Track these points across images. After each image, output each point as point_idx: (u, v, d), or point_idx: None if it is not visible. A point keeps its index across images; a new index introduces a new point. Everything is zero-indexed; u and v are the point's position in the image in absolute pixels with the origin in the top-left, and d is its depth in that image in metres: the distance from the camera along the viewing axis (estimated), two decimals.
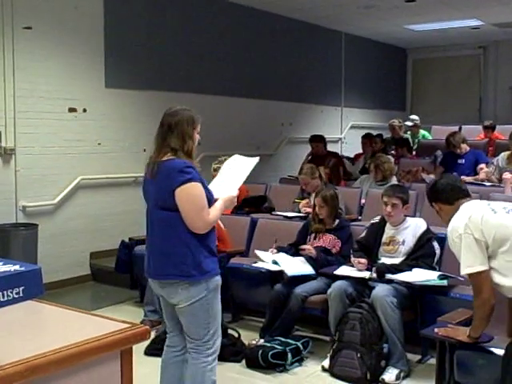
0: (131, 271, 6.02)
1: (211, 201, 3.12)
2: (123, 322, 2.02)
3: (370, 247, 4.74)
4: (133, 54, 7.41)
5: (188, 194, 2.99)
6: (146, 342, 4.51)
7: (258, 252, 5.06)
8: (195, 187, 3.01)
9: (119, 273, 6.13)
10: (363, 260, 4.57)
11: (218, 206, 3.11)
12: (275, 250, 5.09)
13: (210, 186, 3.23)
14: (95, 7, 6.95)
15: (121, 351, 1.94)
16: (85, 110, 6.86)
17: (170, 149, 3.07)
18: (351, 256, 4.73)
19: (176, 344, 3.27)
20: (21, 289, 1.64)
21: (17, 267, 1.68)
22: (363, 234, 4.90)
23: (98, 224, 7.01)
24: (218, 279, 3.14)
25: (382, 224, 4.77)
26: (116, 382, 1.91)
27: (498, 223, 2.88)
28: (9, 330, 1.89)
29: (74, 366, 1.77)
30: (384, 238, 4.71)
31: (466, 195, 3.32)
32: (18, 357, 1.60)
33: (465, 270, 2.97)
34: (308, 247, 4.93)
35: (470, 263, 2.92)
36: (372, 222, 4.93)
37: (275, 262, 4.88)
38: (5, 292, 1.59)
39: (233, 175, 3.19)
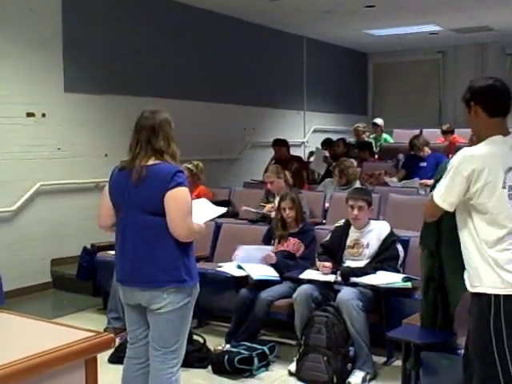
0: (94, 278, 5.93)
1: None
2: (88, 330, 1.98)
3: (334, 250, 4.76)
4: (93, 58, 7.30)
5: (176, 199, 2.93)
6: (110, 350, 4.44)
7: (222, 264, 5.05)
8: (184, 192, 2.96)
9: (81, 280, 6.04)
10: (328, 264, 4.58)
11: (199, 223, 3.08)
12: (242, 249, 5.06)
13: None
14: (52, 9, 6.81)
15: (85, 360, 1.92)
16: (44, 115, 6.73)
17: (154, 152, 3.01)
18: (316, 260, 4.74)
19: (140, 355, 3.17)
20: None
21: None
22: (327, 238, 4.91)
23: (59, 230, 6.88)
24: (198, 287, 3.12)
25: (346, 227, 4.79)
26: None
27: (495, 198, 2.70)
28: None
29: (38, 376, 1.74)
30: (348, 242, 4.73)
31: (506, 114, 2.84)
32: None
33: (436, 198, 2.78)
34: (269, 255, 4.89)
35: (445, 198, 2.74)
36: (336, 225, 4.94)
37: (240, 267, 4.87)
38: None
39: (199, 211, 3.16)
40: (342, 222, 4.88)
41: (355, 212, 4.65)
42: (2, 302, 1.71)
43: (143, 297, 3.03)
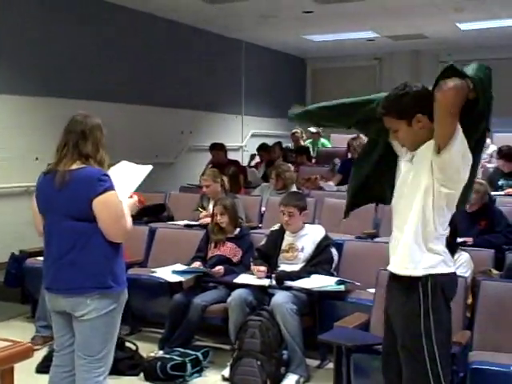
0: (22, 285, 5.75)
1: None
2: (4, 339, 1.91)
3: (269, 255, 4.75)
4: (26, 59, 7.10)
5: (107, 204, 2.88)
6: (38, 359, 4.31)
7: (155, 270, 4.97)
8: (113, 196, 2.91)
9: (9, 287, 5.83)
10: (262, 268, 4.58)
11: (126, 212, 3.01)
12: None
13: None
14: None
15: (1, 371, 1.83)
16: None
17: (80, 156, 2.94)
18: (251, 264, 4.73)
19: (66, 363, 3.09)
20: None
21: None
22: (263, 242, 4.90)
23: None
24: (127, 293, 3.06)
25: (281, 231, 4.79)
26: None
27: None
28: None
29: None
30: (283, 246, 4.74)
31: None
32: None
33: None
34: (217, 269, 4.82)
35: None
36: (271, 229, 4.95)
37: (175, 272, 4.80)
38: None
39: (121, 182, 3.07)
40: (277, 226, 4.89)
41: (285, 218, 4.68)
42: None
43: (68, 303, 2.95)
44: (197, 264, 4.95)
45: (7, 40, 6.85)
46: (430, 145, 2.59)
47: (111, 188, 2.92)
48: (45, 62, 7.35)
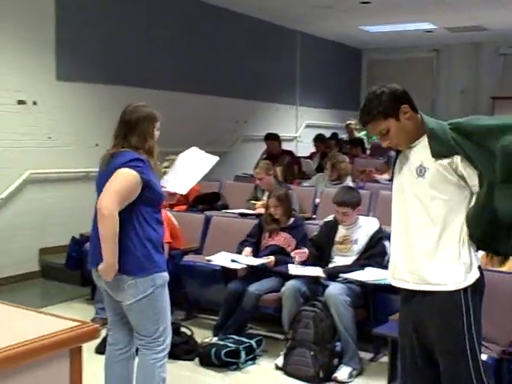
0: (82, 268, 5.90)
1: (159, 199, 3.08)
2: (73, 320, 1.97)
3: (322, 246, 4.74)
4: (86, 47, 7.26)
5: (116, 175, 2.93)
6: (97, 340, 4.42)
7: (210, 258, 4.99)
8: (128, 174, 2.93)
9: (69, 269, 6.00)
10: (300, 250, 4.59)
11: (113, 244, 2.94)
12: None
13: (166, 178, 3.16)
14: None
15: (70, 350, 1.89)
16: (35, 103, 6.67)
17: (130, 146, 3.02)
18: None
19: (119, 341, 3.20)
20: None
21: None
22: (316, 232, 4.90)
23: (48, 219, 6.83)
24: (166, 275, 3.09)
25: (335, 223, 4.76)
26: (65, 381, 1.86)
27: None
28: None
29: (22, 365, 1.72)
30: (337, 237, 4.71)
31: None
32: None
33: None
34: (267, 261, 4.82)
35: None
36: (325, 220, 4.92)
37: (234, 261, 4.84)
38: None
39: (189, 170, 3.12)
40: (331, 217, 4.85)
41: (340, 217, 4.66)
42: None
43: (108, 286, 3.05)
44: (248, 250, 4.98)
45: (72, 29, 7.01)
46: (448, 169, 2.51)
47: (132, 168, 2.93)
48: (105, 50, 7.50)
